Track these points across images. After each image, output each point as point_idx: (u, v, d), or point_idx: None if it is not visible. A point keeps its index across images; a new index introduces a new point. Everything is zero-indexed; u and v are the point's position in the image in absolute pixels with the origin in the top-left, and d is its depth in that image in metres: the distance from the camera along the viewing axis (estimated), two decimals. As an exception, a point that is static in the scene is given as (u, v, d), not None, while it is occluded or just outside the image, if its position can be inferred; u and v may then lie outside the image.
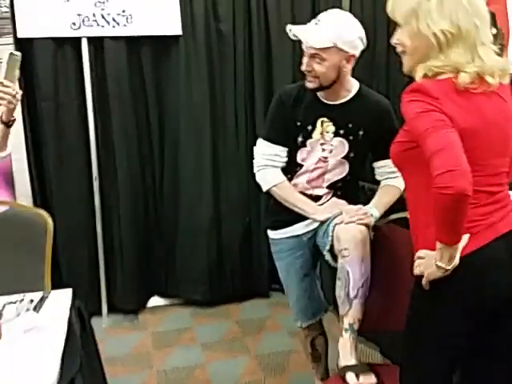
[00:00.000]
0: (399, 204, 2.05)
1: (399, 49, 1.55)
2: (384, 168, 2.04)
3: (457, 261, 1.39)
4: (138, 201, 3.31)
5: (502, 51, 1.67)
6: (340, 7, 3.34)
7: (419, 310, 1.54)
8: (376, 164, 2.08)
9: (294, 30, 1.89)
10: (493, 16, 1.76)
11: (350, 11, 3.17)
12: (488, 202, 1.45)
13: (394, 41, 1.57)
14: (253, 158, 3.33)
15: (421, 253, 1.50)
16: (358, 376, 1.71)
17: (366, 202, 2.04)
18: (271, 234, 2.18)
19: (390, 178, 2.04)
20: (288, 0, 3.34)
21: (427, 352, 1.52)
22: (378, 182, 2.13)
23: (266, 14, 3.33)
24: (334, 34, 1.84)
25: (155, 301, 3.45)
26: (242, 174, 3.41)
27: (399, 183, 2.03)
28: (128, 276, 3.30)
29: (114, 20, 2.96)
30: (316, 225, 2.05)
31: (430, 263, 1.43)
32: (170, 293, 3.45)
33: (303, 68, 1.93)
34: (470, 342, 1.50)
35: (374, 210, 1.93)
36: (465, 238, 1.39)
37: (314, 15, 3.27)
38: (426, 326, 1.51)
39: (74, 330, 1.47)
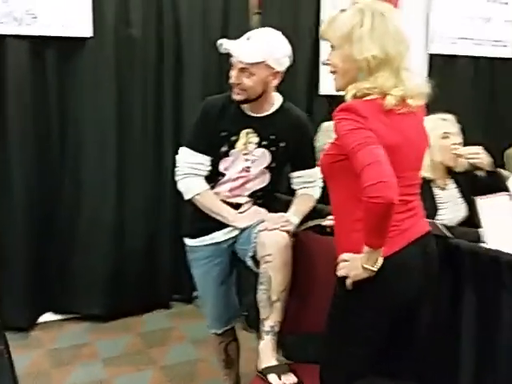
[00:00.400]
0: (313, 212, 2.19)
1: (331, 69, 1.67)
2: (301, 178, 2.17)
3: (380, 263, 1.53)
4: (33, 209, 3.12)
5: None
6: (247, 20, 3.52)
7: (342, 308, 1.64)
8: (294, 174, 2.19)
9: (225, 45, 1.95)
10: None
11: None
12: (402, 210, 1.59)
13: (325, 61, 1.70)
14: (160, 165, 3.38)
15: (345, 256, 1.61)
16: (279, 376, 1.78)
17: (279, 211, 2.14)
18: (190, 241, 2.19)
19: (306, 188, 2.17)
20: (199, 6, 3.41)
21: (350, 347, 1.63)
22: (291, 193, 2.26)
23: (178, 20, 3.37)
24: (264, 51, 1.93)
25: (47, 317, 3.25)
26: (148, 183, 3.40)
27: (315, 192, 2.18)
28: (19, 291, 3.08)
29: (18, 18, 2.82)
30: (236, 232, 2.10)
31: (355, 265, 1.55)
32: (64, 308, 3.27)
33: (232, 81, 1.99)
34: (387, 336, 1.65)
35: (294, 217, 2.03)
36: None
37: (224, 22, 3.43)
38: (349, 322, 1.62)
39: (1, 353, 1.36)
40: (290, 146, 2.09)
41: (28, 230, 3.11)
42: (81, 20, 3.05)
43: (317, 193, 2.19)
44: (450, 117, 2.51)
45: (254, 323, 2.56)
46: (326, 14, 3.86)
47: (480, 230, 2.16)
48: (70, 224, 3.26)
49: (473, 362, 1.76)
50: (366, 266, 1.51)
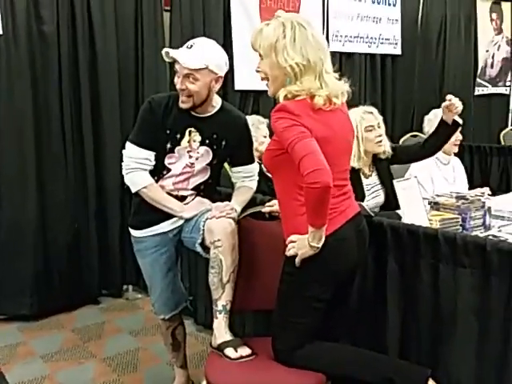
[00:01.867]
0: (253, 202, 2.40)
1: (262, 75, 1.89)
2: (241, 173, 2.37)
3: (323, 240, 1.76)
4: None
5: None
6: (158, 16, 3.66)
7: (291, 284, 1.86)
8: (234, 169, 2.37)
9: (171, 53, 2.08)
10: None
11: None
12: (339, 193, 1.85)
13: (256, 69, 1.90)
14: (81, 158, 3.40)
15: (293, 237, 1.82)
16: (235, 349, 1.95)
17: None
18: (136, 233, 2.29)
19: (245, 181, 2.37)
20: (111, 2, 3.46)
21: (299, 318, 1.85)
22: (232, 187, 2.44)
23: (90, 16, 3.41)
24: (206, 57, 2.09)
25: (-28, 321, 3.17)
26: (69, 178, 3.40)
27: (253, 185, 2.40)
28: None
29: None
30: (181, 222, 2.24)
31: (302, 244, 1.77)
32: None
33: (178, 86, 2.11)
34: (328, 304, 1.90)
35: (237, 205, 2.22)
36: None
37: (137, 17, 3.57)
38: (298, 296, 1.84)
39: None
40: (230, 144, 2.26)
41: None
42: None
43: (255, 185, 2.41)
44: (373, 109, 2.79)
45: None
46: (234, 11, 4.08)
47: (399, 211, 2.49)
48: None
49: (398, 320, 2.06)
50: (312, 243, 1.74)
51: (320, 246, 1.75)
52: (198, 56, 2.08)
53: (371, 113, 2.77)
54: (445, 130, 2.61)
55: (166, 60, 2.14)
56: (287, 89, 1.79)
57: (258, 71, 1.90)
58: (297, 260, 1.80)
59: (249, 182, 2.38)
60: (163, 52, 2.12)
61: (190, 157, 2.22)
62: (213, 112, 2.24)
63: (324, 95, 1.79)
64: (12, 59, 3.15)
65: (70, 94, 3.38)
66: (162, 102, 2.19)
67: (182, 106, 2.15)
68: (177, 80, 2.13)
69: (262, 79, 1.91)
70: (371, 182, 2.77)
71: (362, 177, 2.75)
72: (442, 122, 2.59)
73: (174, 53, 2.10)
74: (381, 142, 2.74)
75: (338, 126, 1.86)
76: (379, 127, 2.77)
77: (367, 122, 2.73)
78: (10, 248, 3.21)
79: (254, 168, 2.40)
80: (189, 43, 2.14)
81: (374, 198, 2.72)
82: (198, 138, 2.20)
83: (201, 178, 2.27)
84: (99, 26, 3.43)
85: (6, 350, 2.89)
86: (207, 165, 2.25)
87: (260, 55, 1.87)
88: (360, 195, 2.63)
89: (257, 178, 2.42)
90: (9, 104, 3.16)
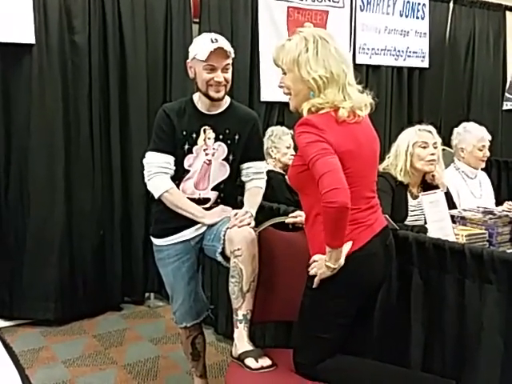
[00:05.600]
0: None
1: (285, 91, 1.89)
2: (251, 169, 2.37)
3: (341, 262, 1.72)
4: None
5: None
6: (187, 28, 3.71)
7: (315, 299, 1.82)
8: (244, 165, 2.37)
9: (226, 47, 2.16)
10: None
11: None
12: (366, 207, 1.82)
13: (279, 84, 1.90)
14: (108, 167, 3.45)
15: (316, 257, 1.80)
16: (256, 360, 1.93)
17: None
18: (158, 241, 2.31)
19: (254, 179, 2.38)
20: (142, 13, 3.53)
21: (321, 333, 1.81)
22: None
23: (121, 27, 3.47)
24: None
25: (-2, 323, 3.22)
26: (96, 186, 3.45)
27: (263, 184, 2.41)
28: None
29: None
30: (203, 229, 2.25)
31: (322, 264, 1.75)
32: (15, 314, 3.25)
33: (220, 80, 2.18)
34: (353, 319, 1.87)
35: (251, 209, 2.22)
36: (348, 244, 1.74)
37: (166, 28, 3.63)
38: (321, 312, 1.81)
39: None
40: (242, 138, 2.30)
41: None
42: (23, 26, 3.08)
43: (264, 184, 2.42)
44: (432, 129, 2.67)
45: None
46: (262, 23, 4.11)
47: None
48: (18, 230, 3.26)
49: (422, 336, 2.03)
50: (328, 263, 1.71)
51: (337, 266, 1.72)
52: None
53: (429, 131, 2.65)
54: None
55: (201, 59, 2.16)
56: (311, 102, 1.79)
57: (280, 86, 1.91)
58: (315, 280, 1.77)
59: (258, 180, 2.38)
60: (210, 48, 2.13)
61: (207, 154, 2.26)
62: (224, 108, 2.30)
63: (348, 107, 1.78)
64: (44, 68, 3.22)
65: (100, 103, 3.45)
66: (175, 106, 2.29)
67: (218, 95, 2.22)
68: (214, 75, 2.18)
69: (285, 94, 1.91)
70: (416, 204, 2.62)
71: (409, 196, 2.63)
72: None
73: (225, 45, 2.16)
74: (433, 160, 2.60)
75: (364, 137, 1.84)
76: (435, 147, 2.63)
77: (422, 138, 2.61)
78: (37, 254, 3.26)
79: (263, 166, 2.42)
80: (212, 38, 2.18)
81: (414, 221, 2.58)
82: (212, 134, 2.26)
83: (220, 176, 2.29)
84: (129, 37, 3.50)
85: (29, 354, 2.93)
86: (224, 160, 2.28)
87: (283, 70, 1.87)
88: (403, 213, 2.55)
89: (265, 177, 2.43)
90: (40, 112, 3.22)
